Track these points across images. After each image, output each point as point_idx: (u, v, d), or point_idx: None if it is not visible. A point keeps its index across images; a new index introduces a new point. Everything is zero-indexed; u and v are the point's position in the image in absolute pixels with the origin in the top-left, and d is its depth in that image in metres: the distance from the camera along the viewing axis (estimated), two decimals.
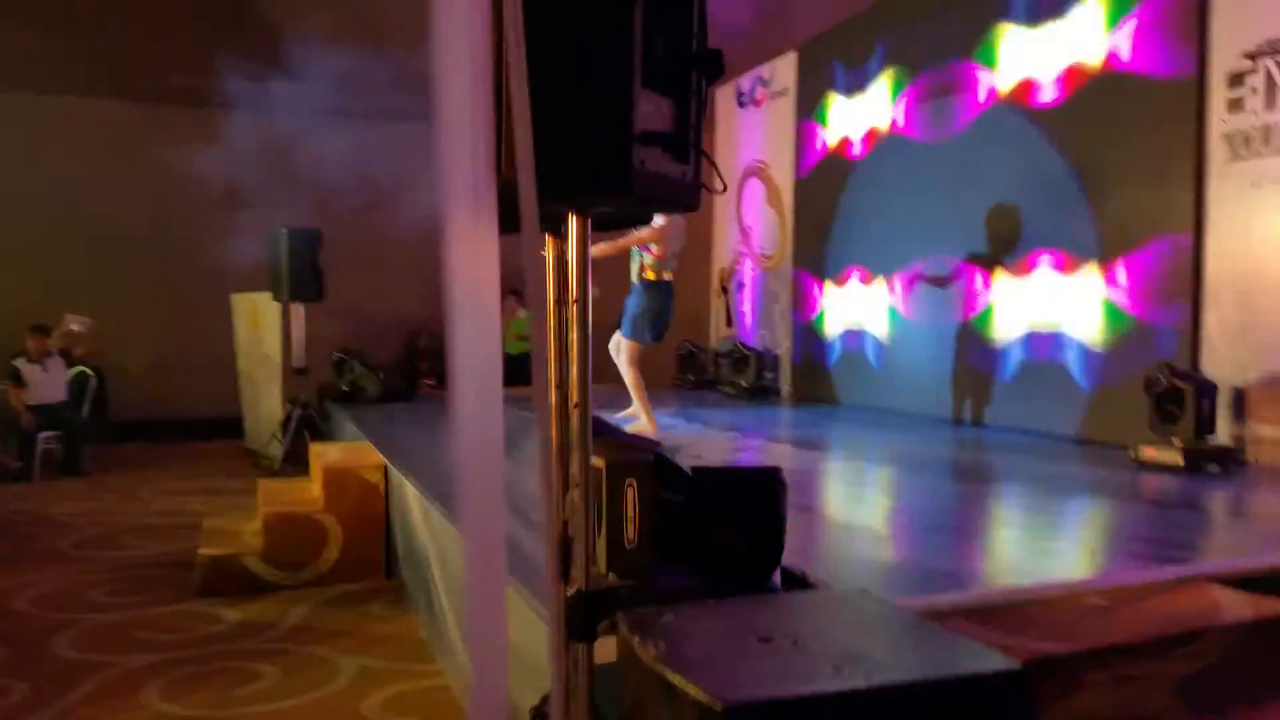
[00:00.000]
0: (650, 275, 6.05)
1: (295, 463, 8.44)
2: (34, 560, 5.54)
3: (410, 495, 4.44)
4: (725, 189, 2.30)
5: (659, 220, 5.84)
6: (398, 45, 10.47)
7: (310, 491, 5.44)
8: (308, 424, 8.73)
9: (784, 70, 8.92)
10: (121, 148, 10.40)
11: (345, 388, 8.82)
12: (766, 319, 9.19)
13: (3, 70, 9.56)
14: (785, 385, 8.81)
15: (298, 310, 8.86)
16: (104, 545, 5.89)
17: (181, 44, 9.82)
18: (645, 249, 6.03)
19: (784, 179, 8.88)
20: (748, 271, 9.58)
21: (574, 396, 2.04)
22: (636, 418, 6.25)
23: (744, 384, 8.75)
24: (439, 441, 6.24)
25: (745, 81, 9.59)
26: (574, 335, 2.02)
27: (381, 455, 5.21)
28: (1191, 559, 2.94)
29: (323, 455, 5.33)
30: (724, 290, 9.92)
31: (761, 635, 1.79)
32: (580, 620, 1.97)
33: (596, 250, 5.98)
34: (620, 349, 6.23)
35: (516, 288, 10.78)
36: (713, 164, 2.17)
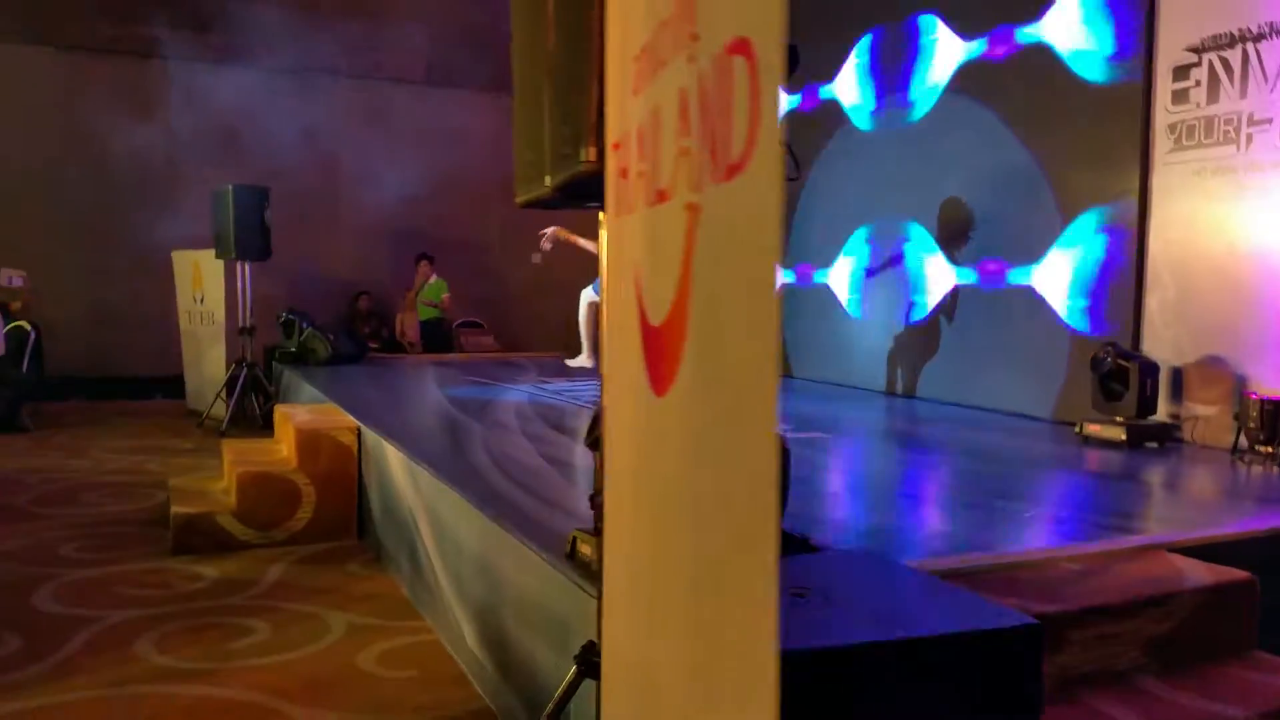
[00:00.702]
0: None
1: (240, 424, 8.42)
2: None
3: (392, 458, 4.53)
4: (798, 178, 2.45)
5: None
6: (336, 6, 10.36)
7: (279, 452, 5.48)
8: (254, 385, 8.69)
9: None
10: (54, 98, 10.09)
11: (294, 349, 8.76)
12: None
13: None
14: None
15: (243, 269, 8.78)
16: (63, 502, 5.84)
17: None
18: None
19: None
20: None
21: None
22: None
23: None
24: (406, 405, 6.32)
25: None
26: (603, 321, 2.14)
27: (354, 419, 5.27)
28: (1146, 529, 3.23)
29: (293, 416, 5.36)
30: None
31: (794, 591, 1.98)
32: None
33: (583, 243, 6.38)
34: (590, 304, 6.62)
35: (427, 252, 10.84)
36: (792, 155, 2.31)
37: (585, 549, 2.54)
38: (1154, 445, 4.84)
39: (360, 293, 11.28)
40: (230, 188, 8.38)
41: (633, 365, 1.23)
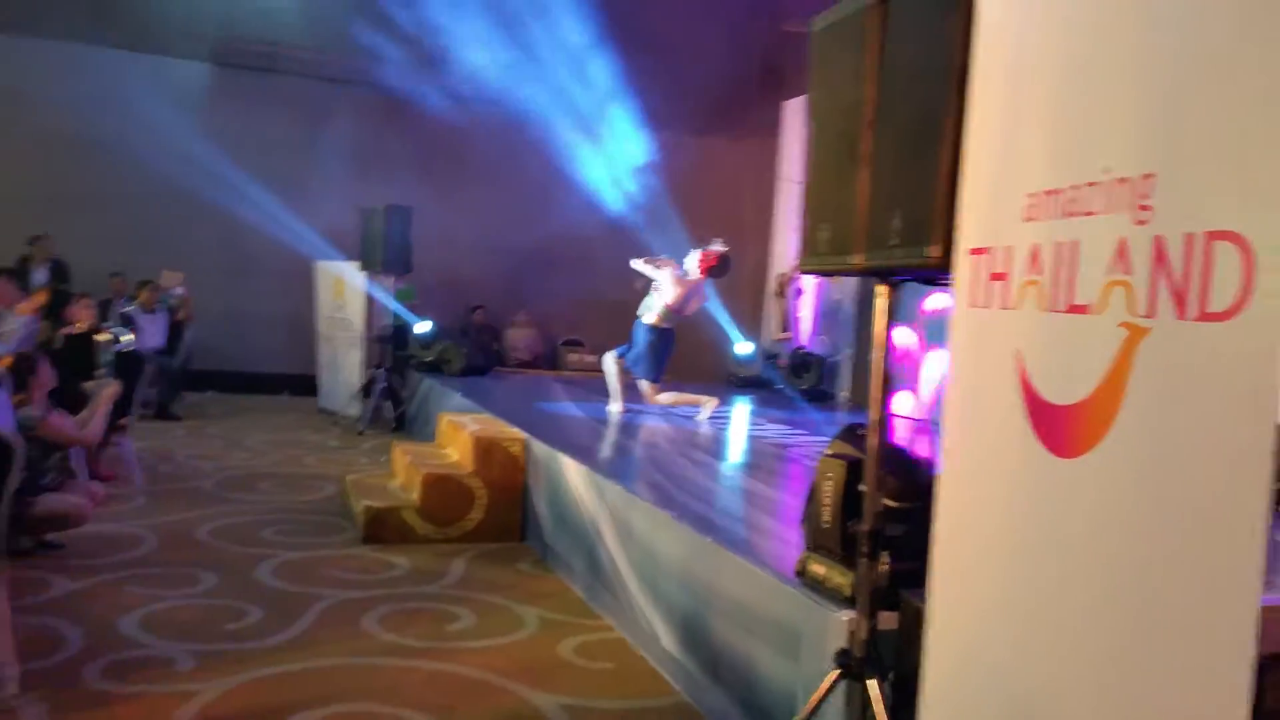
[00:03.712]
0: (654, 320, 6.79)
1: (374, 425, 8.98)
2: (187, 497, 6.05)
3: (570, 469, 4.96)
4: None
5: (692, 276, 6.68)
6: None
7: (449, 456, 5.96)
8: (389, 391, 9.25)
9: None
10: (211, 108, 10.77)
11: (430, 359, 9.30)
12: (828, 325, 9.73)
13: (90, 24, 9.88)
14: (843, 391, 9.36)
15: (385, 282, 9.35)
16: (244, 489, 6.40)
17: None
18: (657, 292, 6.75)
19: None
20: (809, 278, 10.11)
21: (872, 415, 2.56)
22: (701, 409, 7.09)
23: (804, 386, 9.32)
24: (555, 418, 6.77)
25: None
26: (874, 377, 2.51)
27: (520, 431, 5.73)
28: None
29: (464, 425, 5.84)
30: (781, 295, 10.50)
31: None
32: (890, 593, 2.51)
33: (644, 266, 6.77)
34: (614, 361, 7.16)
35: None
36: None
37: (817, 569, 2.92)
38: None
39: (476, 306, 11.81)
40: (382, 207, 8.95)
41: (1008, 430, 1.62)
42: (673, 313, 6.85)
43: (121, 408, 5.62)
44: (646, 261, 6.93)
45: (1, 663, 3.18)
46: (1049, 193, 1.55)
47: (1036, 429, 1.56)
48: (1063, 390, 1.49)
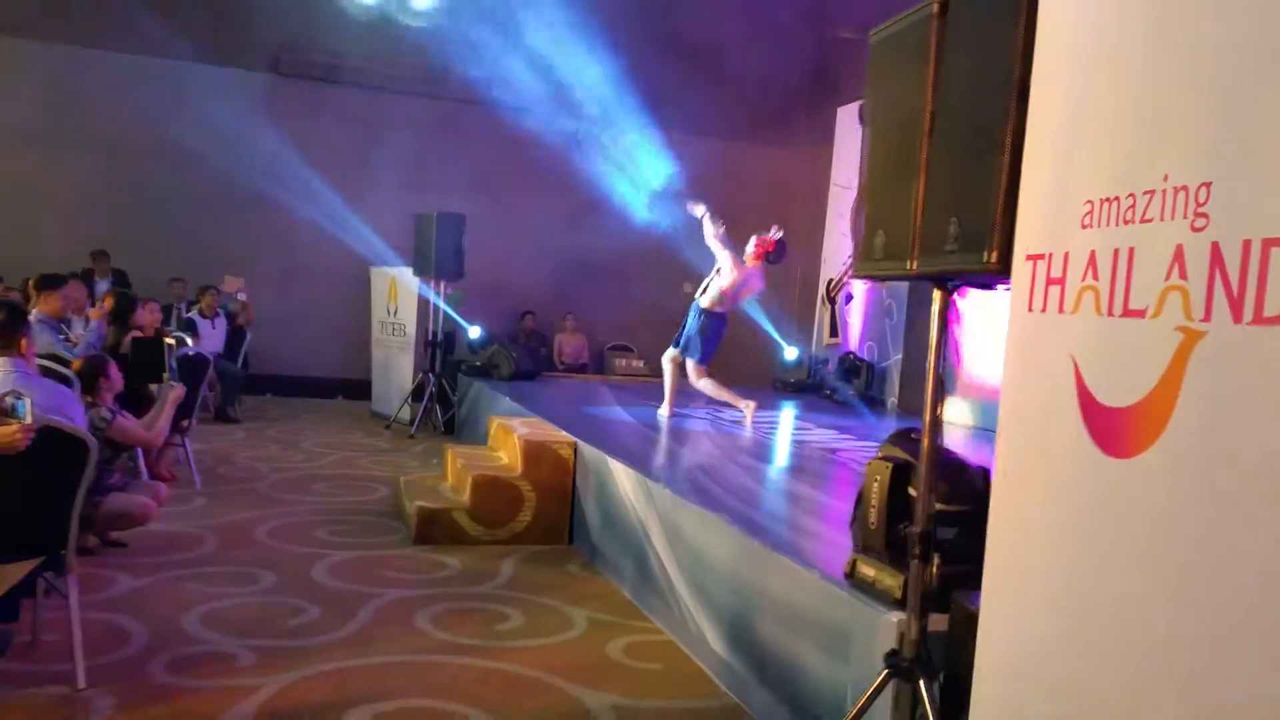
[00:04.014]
0: (708, 304, 6.81)
1: (425, 429, 9.12)
2: (246, 498, 6.19)
3: (619, 473, 5.01)
4: None
5: (748, 263, 6.69)
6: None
7: (499, 459, 6.04)
8: (439, 394, 9.38)
9: None
10: (271, 117, 11.00)
11: (479, 363, 9.42)
12: (876, 331, 9.69)
13: (155, 36, 10.13)
14: (892, 397, 9.32)
15: (437, 287, 9.48)
16: (299, 490, 6.54)
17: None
18: (717, 274, 6.76)
19: None
20: (859, 284, 10.07)
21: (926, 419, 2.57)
22: (738, 409, 7.12)
23: (852, 392, 9.28)
24: (613, 428, 6.82)
25: None
26: (929, 379, 2.53)
27: (569, 434, 5.80)
28: None
29: (514, 429, 5.92)
30: (830, 300, 10.47)
31: None
32: (940, 595, 2.52)
33: (710, 223, 6.76)
34: (672, 360, 7.16)
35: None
36: None
37: (867, 571, 2.94)
38: None
39: (526, 312, 11.92)
40: (435, 214, 9.09)
41: (1063, 431, 1.64)
42: (727, 297, 6.90)
43: (184, 410, 5.77)
44: (716, 229, 6.90)
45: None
46: (1107, 200, 1.57)
47: (1091, 430, 1.57)
48: (1117, 393, 1.51)
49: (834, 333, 10.31)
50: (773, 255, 6.80)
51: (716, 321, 6.95)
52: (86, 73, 10.37)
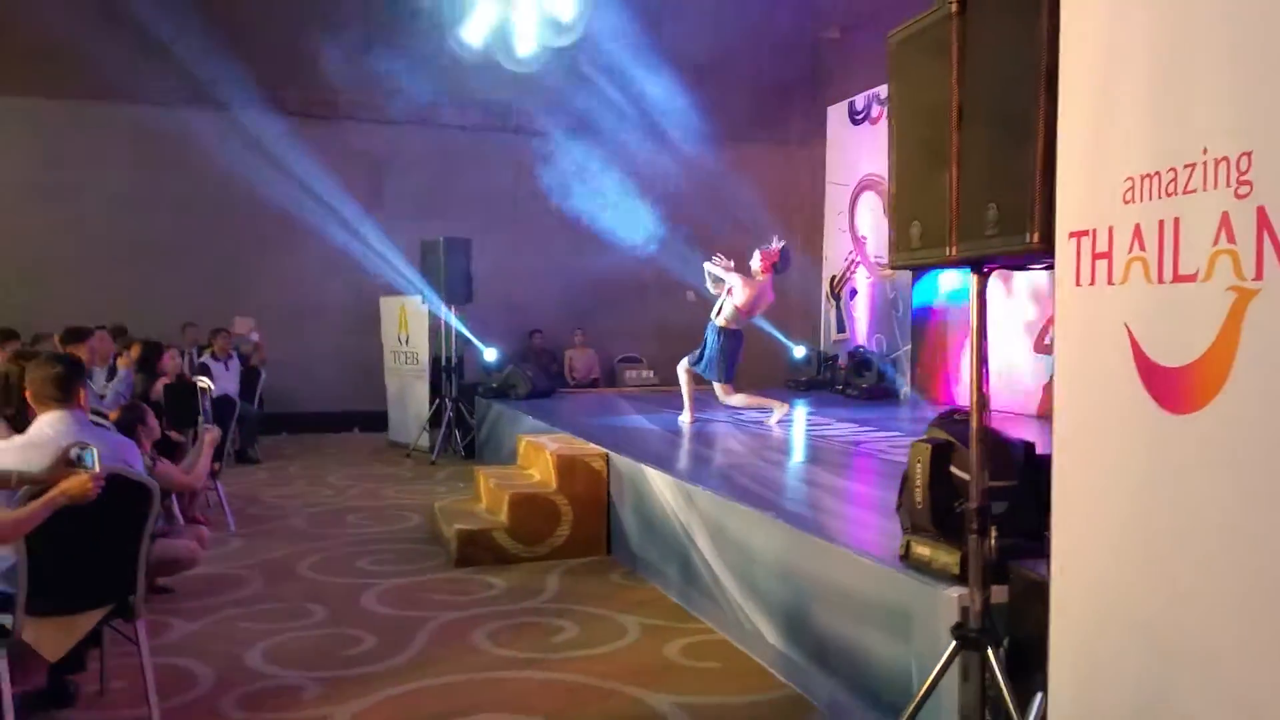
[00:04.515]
0: (723, 323, 6.95)
1: (445, 454, 9.20)
2: (283, 536, 6.27)
3: (656, 480, 5.10)
4: None
5: (757, 278, 6.82)
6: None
7: (531, 477, 6.13)
8: (457, 418, 9.46)
9: None
10: (273, 155, 11.09)
11: (496, 385, 9.51)
12: (884, 324, 9.80)
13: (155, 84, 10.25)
14: (905, 387, 9.42)
15: (445, 313, 9.58)
16: (334, 524, 6.61)
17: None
18: (729, 294, 6.91)
19: None
20: (862, 279, 10.19)
21: (973, 398, 2.66)
22: (772, 412, 7.26)
23: (864, 385, 9.39)
24: (640, 436, 6.91)
25: (860, 100, 10.21)
26: (973, 359, 2.62)
27: (601, 447, 5.89)
28: None
29: (545, 446, 6.01)
30: (835, 297, 10.58)
31: None
32: (999, 567, 2.62)
33: (718, 269, 6.90)
34: (685, 370, 7.38)
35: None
36: None
37: (922, 550, 3.03)
38: None
39: (534, 330, 12.01)
40: (441, 239, 9.20)
41: (1122, 393, 1.73)
42: (742, 315, 7.03)
43: (214, 453, 5.85)
44: (719, 263, 7.07)
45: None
46: (1148, 176, 1.67)
47: (1151, 390, 1.66)
48: (1174, 353, 1.60)
49: (841, 328, 10.42)
50: (779, 265, 6.94)
51: (735, 340, 7.12)
52: (88, 126, 10.49)
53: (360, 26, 10.79)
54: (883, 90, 9.76)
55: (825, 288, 10.71)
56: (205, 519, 6.47)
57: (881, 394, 9.32)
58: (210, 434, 5.18)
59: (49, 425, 3.26)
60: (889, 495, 4.53)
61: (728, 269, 7.01)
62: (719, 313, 7.09)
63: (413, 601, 4.86)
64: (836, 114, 10.63)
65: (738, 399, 7.21)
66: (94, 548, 3.20)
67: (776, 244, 6.98)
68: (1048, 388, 6.23)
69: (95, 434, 3.33)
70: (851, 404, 8.92)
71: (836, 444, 6.60)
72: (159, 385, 6.20)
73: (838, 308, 10.45)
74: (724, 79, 11.42)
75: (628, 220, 11.11)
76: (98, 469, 3.00)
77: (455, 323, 9.51)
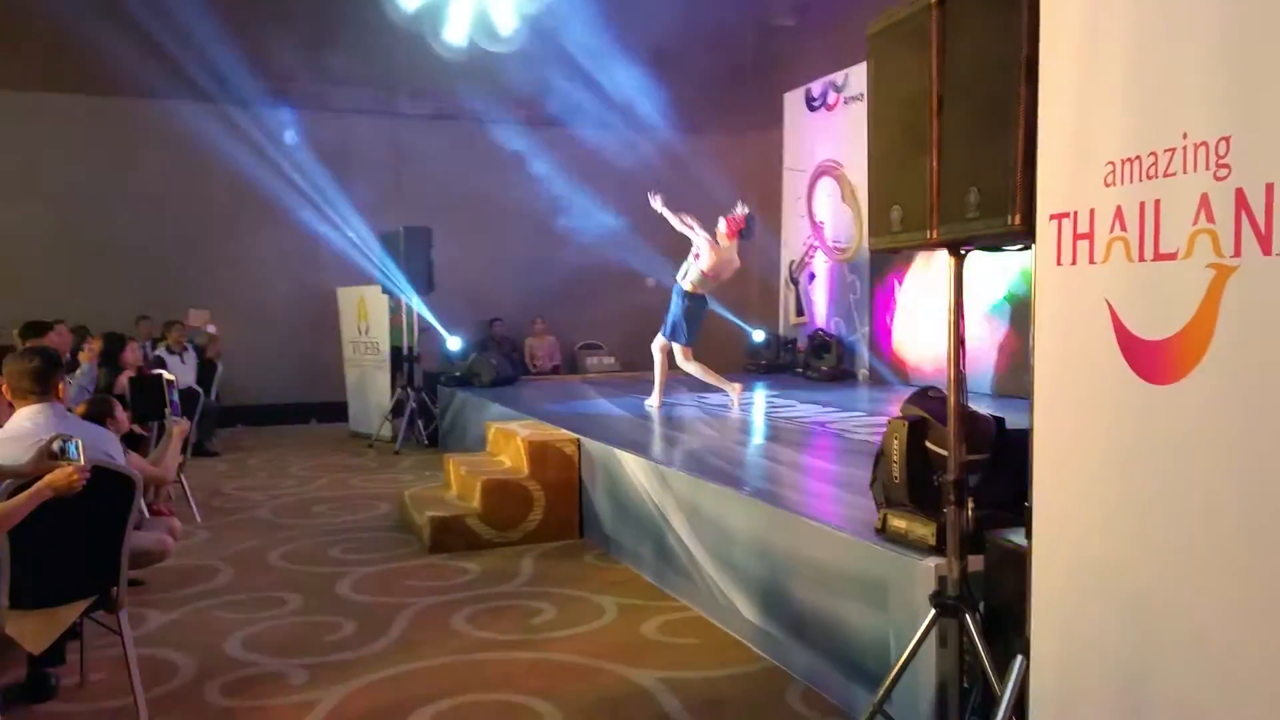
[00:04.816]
0: (690, 287, 7.04)
1: (408, 444, 9.18)
2: (250, 528, 6.23)
3: (629, 463, 5.17)
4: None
5: (723, 243, 6.91)
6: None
7: (502, 463, 6.16)
8: (421, 408, 9.44)
9: (859, 77, 9.66)
10: (223, 147, 10.93)
11: (459, 373, 9.50)
12: (842, 307, 9.95)
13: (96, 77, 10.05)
14: (862, 368, 9.58)
15: (411, 302, 9.54)
16: (300, 514, 6.59)
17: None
18: (696, 258, 6.99)
19: (860, 178, 9.63)
20: (820, 263, 10.33)
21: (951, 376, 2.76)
22: (728, 395, 7.35)
23: (824, 367, 9.54)
24: (608, 421, 6.97)
25: (816, 87, 10.33)
26: (951, 339, 2.71)
27: (574, 433, 5.94)
28: None
29: (516, 432, 6.05)
30: (794, 281, 10.72)
31: None
32: (976, 537, 2.73)
33: (670, 214, 6.96)
34: (661, 349, 7.36)
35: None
36: None
37: (898, 523, 3.14)
38: None
39: (494, 319, 11.98)
40: (401, 229, 9.15)
41: (1102, 365, 1.83)
42: (709, 279, 7.11)
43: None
44: (679, 217, 7.12)
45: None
46: (1128, 160, 1.76)
47: (1131, 362, 1.76)
48: (1155, 327, 1.70)
49: (800, 312, 10.56)
50: (745, 231, 7.03)
51: (699, 303, 7.17)
52: (33, 119, 10.25)
53: (312, 15, 10.66)
54: (839, 77, 9.92)
55: (784, 272, 10.83)
56: (170, 511, 6.41)
57: (841, 375, 9.48)
58: (180, 426, 5.14)
59: (27, 418, 3.24)
60: (857, 472, 4.67)
61: (689, 227, 7.07)
62: (684, 276, 7.15)
63: (388, 588, 4.88)
64: (793, 101, 10.74)
65: (694, 367, 7.28)
66: (77, 539, 3.19)
67: (741, 210, 7.09)
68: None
69: (75, 426, 3.31)
70: (812, 386, 9.06)
71: (801, 425, 6.72)
72: (122, 378, 6.11)
73: (796, 292, 10.58)
74: (679, 67, 11.45)
75: (585, 208, 11.14)
76: (82, 461, 2.99)
77: (424, 310, 9.47)
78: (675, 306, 7.16)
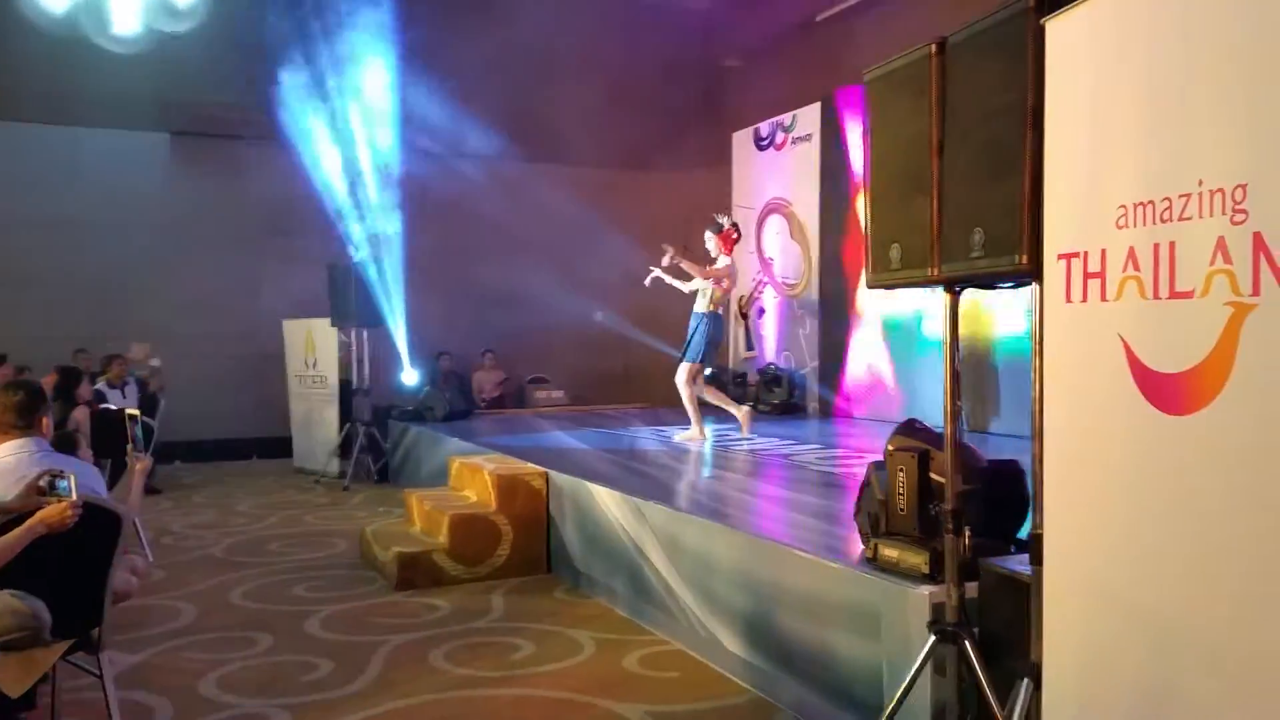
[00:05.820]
0: (713, 307, 7.24)
1: (357, 479, 9.05)
2: (205, 566, 6.08)
3: (603, 496, 5.18)
4: None
5: (724, 261, 7.14)
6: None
7: (467, 498, 6.12)
8: (370, 443, 9.33)
9: (807, 118, 9.91)
10: (165, 180, 10.77)
11: (411, 408, 9.42)
12: (792, 342, 10.13)
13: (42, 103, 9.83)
14: (813, 402, 9.75)
15: (358, 335, 9.46)
16: (257, 553, 6.45)
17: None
18: (718, 284, 7.18)
19: (808, 215, 9.86)
20: (771, 298, 10.51)
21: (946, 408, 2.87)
22: (691, 433, 7.56)
23: (776, 401, 9.68)
24: (572, 454, 6.97)
25: (764, 127, 10.56)
26: (946, 373, 2.82)
27: (542, 467, 5.94)
28: None
29: (482, 466, 6.02)
30: (744, 316, 10.87)
31: None
32: (970, 565, 2.82)
33: (688, 266, 7.11)
34: (681, 371, 7.47)
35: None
36: None
37: (890, 552, 3.22)
38: None
39: (441, 353, 11.89)
40: (350, 262, 9.08)
41: (1117, 397, 1.94)
42: (725, 295, 7.44)
43: None
44: (685, 269, 7.29)
45: None
46: (1141, 204, 1.88)
47: (1147, 394, 1.87)
48: (1171, 360, 1.81)
49: (750, 346, 10.71)
50: (738, 241, 7.46)
51: (717, 322, 7.44)
52: None
53: (255, 44, 10.56)
54: (786, 118, 10.16)
55: (734, 308, 10.98)
56: (125, 549, 6.23)
57: (792, 409, 9.63)
58: (142, 463, 5.00)
59: (10, 452, 3.16)
60: (830, 504, 4.77)
61: (704, 275, 7.23)
62: (701, 299, 7.33)
63: (360, 626, 4.81)
64: (741, 140, 10.96)
65: (689, 392, 7.46)
66: (62, 578, 3.10)
67: (726, 222, 7.41)
68: None
69: (61, 461, 3.23)
70: (765, 420, 9.18)
71: (771, 458, 6.82)
72: (77, 412, 5.94)
73: (746, 327, 10.73)
74: (627, 105, 11.63)
75: (534, 243, 11.18)
76: (74, 496, 2.93)
77: (349, 344, 9.37)
78: (700, 331, 7.32)
